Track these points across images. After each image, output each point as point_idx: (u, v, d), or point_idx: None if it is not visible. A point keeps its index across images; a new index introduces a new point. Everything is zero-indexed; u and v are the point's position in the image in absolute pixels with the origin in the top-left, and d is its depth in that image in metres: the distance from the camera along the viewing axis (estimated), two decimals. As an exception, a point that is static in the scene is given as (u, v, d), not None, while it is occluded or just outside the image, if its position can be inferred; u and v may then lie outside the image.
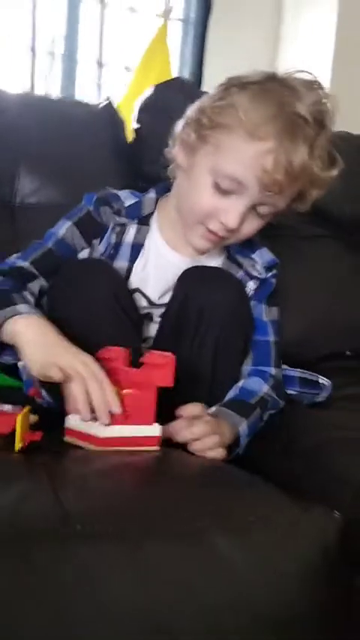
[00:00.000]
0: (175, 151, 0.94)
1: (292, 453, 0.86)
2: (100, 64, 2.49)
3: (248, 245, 0.99)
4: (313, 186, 0.90)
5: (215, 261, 1.00)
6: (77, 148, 1.23)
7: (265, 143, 0.84)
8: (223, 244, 0.95)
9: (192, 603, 0.52)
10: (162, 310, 0.96)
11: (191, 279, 0.92)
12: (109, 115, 1.29)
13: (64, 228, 0.97)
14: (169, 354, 0.77)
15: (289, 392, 1.09)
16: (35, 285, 0.93)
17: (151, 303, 0.98)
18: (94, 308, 0.85)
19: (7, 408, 0.81)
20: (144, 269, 0.98)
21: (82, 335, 0.82)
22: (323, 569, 0.59)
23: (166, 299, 0.95)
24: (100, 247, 0.97)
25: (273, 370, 0.98)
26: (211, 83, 1.05)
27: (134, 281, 0.98)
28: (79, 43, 2.41)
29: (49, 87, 2.39)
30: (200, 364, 0.88)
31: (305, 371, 1.13)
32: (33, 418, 0.79)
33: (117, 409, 0.74)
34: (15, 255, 0.96)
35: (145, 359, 0.77)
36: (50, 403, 0.88)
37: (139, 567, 0.52)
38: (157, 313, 0.97)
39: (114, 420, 0.75)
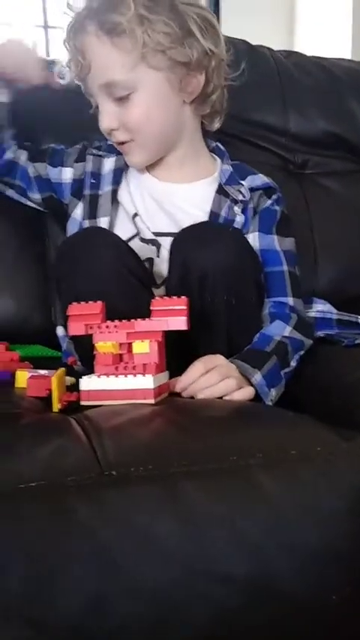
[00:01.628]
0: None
1: (332, 391, 0.83)
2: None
3: (240, 174, 1.01)
4: (125, 40, 0.89)
5: (204, 189, 1.00)
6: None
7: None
8: (143, 146, 0.97)
9: (238, 543, 0.51)
10: (167, 239, 0.94)
11: (186, 243, 0.89)
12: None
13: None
14: (184, 298, 0.75)
15: (328, 333, 1.06)
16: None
17: (152, 232, 0.98)
18: (101, 278, 0.85)
19: (43, 372, 0.81)
20: (134, 195, 1.00)
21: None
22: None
23: (166, 227, 0.97)
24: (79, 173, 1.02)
25: (291, 300, 0.95)
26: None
27: (128, 205, 0.99)
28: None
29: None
30: (214, 323, 0.86)
31: (343, 313, 1.10)
32: (70, 380, 0.79)
33: None
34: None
35: (155, 306, 0.75)
36: (85, 370, 0.88)
37: (180, 508, 0.51)
38: (164, 243, 0.96)
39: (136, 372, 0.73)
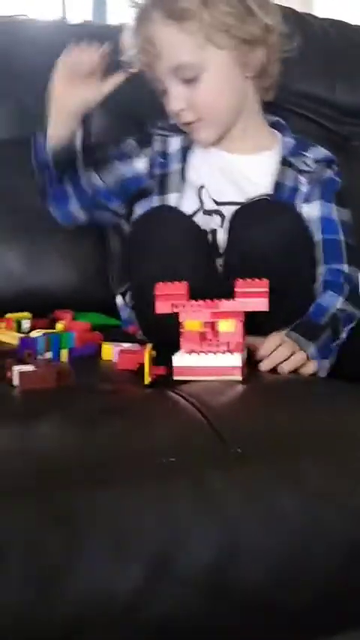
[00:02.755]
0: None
1: None
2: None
3: (302, 147, 1.05)
4: (188, 22, 0.93)
5: (268, 161, 1.03)
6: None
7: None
8: (212, 124, 1.00)
9: (348, 518, 0.57)
10: (232, 207, 0.96)
11: (245, 221, 0.93)
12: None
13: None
14: (265, 280, 0.78)
15: None
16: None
17: (216, 202, 1.01)
18: (170, 254, 0.88)
19: (127, 345, 0.86)
20: (200, 168, 1.03)
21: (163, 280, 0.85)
22: None
23: (232, 196, 1.00)
24: (150, 157, 1.04)
25: (346, 267, 0.98)
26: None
27: (195, 179, 1.02)
28: None
29: (79, 12, 2.30)
30: (272, 301, 0.84)
31: None
32: (153, 353, 0.83)
33: None
34: None
35: (238, 287, 0.79)
36: (146, 340, 0.92)
37: (298, 485, 0.56)
38: (227, 213, 0.98)
39: (222, 349, 0.77)
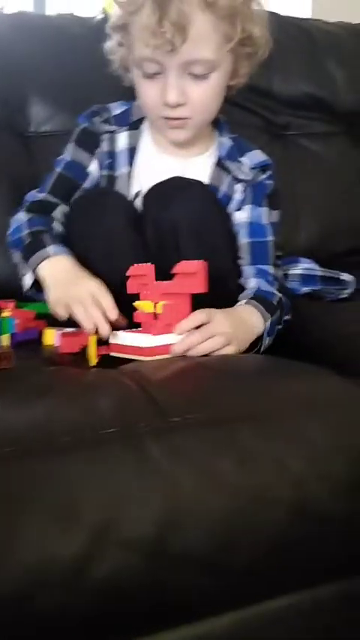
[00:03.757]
0: (119, 70, 1.02)
1: (334, 342, 0.92)
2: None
3: (238, 149, 1.04)
4: (225, 19, 0.90)
5: (203, 163, 1.03)
6: (83, 68, 1.20)
7: (143, 11, 0.89)
8: (195, 124, 0.97)
9: (285, 478, 0.59)
10: None
11: (154, 201, 0.94)
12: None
13: (68, 151, 1.03)
14: (200, 261, 0.80)
15: (313, 289, 1.15)
16: (58, 213, 0.99)
17: None
18: (110, 237, 0.90)
19: (68, 330, 0.87)
20: (141, 173, 1.02)
21: (103, 264, 0.89)
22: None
23: None
24: (98, 159, 1.02)
25: (271, 269, 1.00)
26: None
27: (136, 185, 1.02)
28: None
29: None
30: None
31: (326, 269, 1.19)
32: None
33: (113, 316, 0.82)
34: (33, 191, 1.02)
35: (176, 269, 0.81)
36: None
37: (235, 449, 0.59)
38: None
39: (156, 330, 0.80)
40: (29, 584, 0.51)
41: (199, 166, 1.03)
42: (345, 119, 1.39)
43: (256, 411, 0.62)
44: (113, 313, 0.82)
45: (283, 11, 1.46)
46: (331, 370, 0.75)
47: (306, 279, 1.17)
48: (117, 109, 1.04)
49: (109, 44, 1.01)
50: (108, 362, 0.79)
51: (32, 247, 0.92)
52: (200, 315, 0.81)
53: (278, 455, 0.60)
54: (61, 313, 0.86)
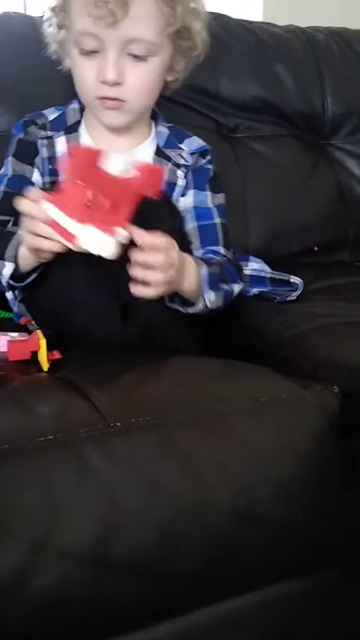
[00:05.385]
0: (56, 53, 0.99)
1: (280, 343, 0.92)
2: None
3: (176, 137, 1.04)
4: (166, 3, 0.89)
5: (146, 153, 1.02)
6: (30, 67, 1.18)
7: None
8: (131, 109, 0.96)
9: (227, 482, 0.59)
10: None
11: None
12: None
13: (7, 165, 1.01)
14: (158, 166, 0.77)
15: (261, 290, 1.15)
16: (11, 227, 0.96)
17: None
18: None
19: (14, 335, 0.85)
20: None
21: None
22: (328, 437, 0.67)
23: None
24: (39, 167, 1.00)
25: (222, 250, 0.99)
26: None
27: None
28: None
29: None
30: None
31: (275, 272, 1.19)
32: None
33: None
34: None
35: (136, 167, 0.77)
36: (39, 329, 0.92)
37: (176, 453, 0.59)
38: None
39: (86, 218, 0.73)
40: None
41: (140, 158, 1.02)
42: (294, 122, 1.40)
43: (197, 414, 0.62)
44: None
45: (235, 14, 1.46)
46: (275, 371, 0.75)
47: (255, 280, 1.17)
48: (52, 114, 1.02)
49: (49, 29, 0.99)
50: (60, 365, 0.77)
51: (3, 242, 0.87)
52: (166, 241, 0.77)
53: (220, 459, 0.60)
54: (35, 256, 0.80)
